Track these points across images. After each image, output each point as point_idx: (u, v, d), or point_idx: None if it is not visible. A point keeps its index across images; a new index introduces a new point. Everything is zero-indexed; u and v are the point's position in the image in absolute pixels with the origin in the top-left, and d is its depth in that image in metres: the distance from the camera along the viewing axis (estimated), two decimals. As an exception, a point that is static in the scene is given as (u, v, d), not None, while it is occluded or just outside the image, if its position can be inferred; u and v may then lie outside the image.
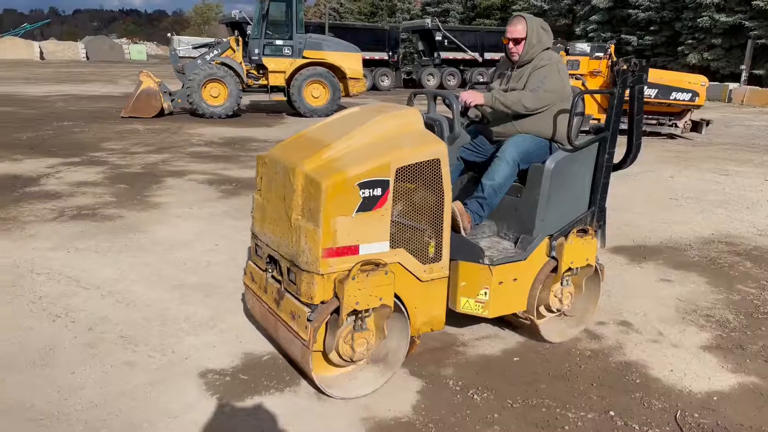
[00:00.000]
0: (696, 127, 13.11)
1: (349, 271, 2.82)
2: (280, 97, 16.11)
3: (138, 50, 63.63)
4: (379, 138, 3.03)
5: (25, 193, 6.86)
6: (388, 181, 2.88)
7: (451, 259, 3.23)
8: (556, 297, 3.59)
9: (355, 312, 2.91)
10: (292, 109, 15.94)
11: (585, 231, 3.53)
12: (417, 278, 3.09)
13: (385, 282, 2.91)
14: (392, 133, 3.07)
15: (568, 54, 12.61)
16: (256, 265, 3.39)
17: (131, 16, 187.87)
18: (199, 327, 3.73)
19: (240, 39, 15.39)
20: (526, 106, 3.53)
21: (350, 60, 15.89)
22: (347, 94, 16.05)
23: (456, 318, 4.00)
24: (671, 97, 12.32)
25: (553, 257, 3.48)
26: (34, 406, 2.86)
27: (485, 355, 3.54)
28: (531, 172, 3.46)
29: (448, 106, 3.36)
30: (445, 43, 27.65)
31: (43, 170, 8.12)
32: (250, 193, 7.25)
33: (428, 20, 28.72)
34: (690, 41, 31.23)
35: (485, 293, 3.35)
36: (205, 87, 14.37)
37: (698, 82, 12.47)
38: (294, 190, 2.91)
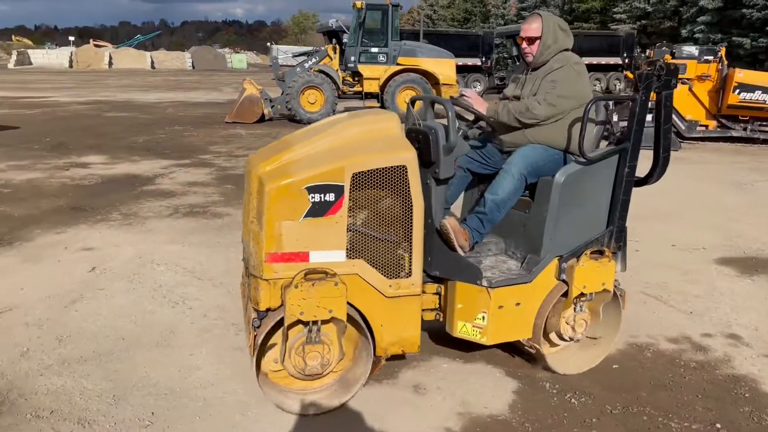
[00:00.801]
0: (816, 134, 12.16)
1: (293, 278, 2.69)
2: (373, 103, 16.45)
3: (239, 59, 66.64)
4: (344, 142, 2.89)
5: (143, 192, 7.44)
6: (343, 186, 2.73)
7: (446, 279, 3.12)
8: (568, 324, 3.23)
9: (305, 323, 2.76)
10: (385, 114, 16.19)
11: (601, 253, 3.16)
12: (381, 293, 2.87)
13: (334, 293, 2.71)
14: (361, 138, 2.92)
15: (674, 57, 12.08)
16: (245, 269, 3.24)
17: (233, 26, 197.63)
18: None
19: (337, 47, 15.84)
20: (536, 115, 3.19)
21: (443, 66, 15.97)
22: (440, 100, 16.10)
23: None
24: (788, 103, 11.51)
25: (564, 280, 3.16)
26: (159, 383, 3.14)
27: (583, 361, 3.50)
28: (540, 186, 3.17)
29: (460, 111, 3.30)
30: (541, 48, 27.10)
31: (158, 170, 8.76)
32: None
33: (523, 25, 28.27)
34: (811, 43, 28.87)
35: (483, 317, 3.09)
36: (303, 93, 14.91)
37: (820, 86, 11.57)
38: (251, 192, 2.83)
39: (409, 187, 2.81)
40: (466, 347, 3.57)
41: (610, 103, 3.29)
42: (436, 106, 3.53)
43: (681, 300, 4.40)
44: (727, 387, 3.25)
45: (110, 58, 56.51)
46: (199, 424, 2.83)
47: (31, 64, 56.44)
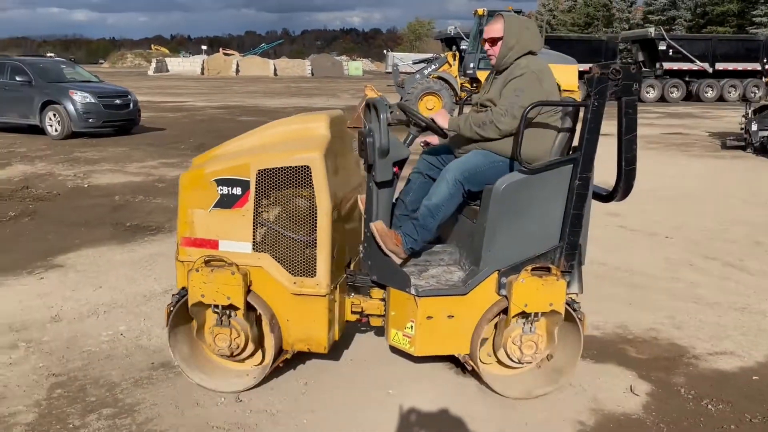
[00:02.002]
0: None
1: (194, 263, 2.88)
2: (491, 109, 16.46)
3: (355, 66, 68.62)
4: (264, 141, 3.04)
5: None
6: (249, 181, 2.85)
7: (381, 285, 3.11)
8: (515, 344, 3.01)
9: (209, 306, 2.93)
10: (502, 121, 16.19)
11: (547, 270, 2.92)
12: (287, 289, 2.91)
13: (231, 281, 2.83)
14: (281, 137, 3.03)
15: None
16: None
17: (350, 34, 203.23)
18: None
19: (457, 54, 16.04)
20: (499, 130, 3.01)
21: (565, 72, 15.69)
22: (560, 107, 15.85)
23: (689, 328, 3.95)
24: None
25: (506, 296, 2.94)
26: (309, 355, 3.47)
27: (720, 370, 3.44)
28: (483, 195, 2.97)
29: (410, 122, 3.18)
30: (670, 53, 25.82)
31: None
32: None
33: (651, 29, 27.06)
34: None
35: (411, 327, 3.00)
36: (422, 100, 15.25)
37: None
38: None
39: (313, 187, 2.84)
40: (597, 347, 3.63)
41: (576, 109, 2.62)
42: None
43: (830, 318, 4.16)
44: None
45: (237, 65, 60.24)
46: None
47: (167, 71, 61.37)
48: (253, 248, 2.93)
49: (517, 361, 3.05)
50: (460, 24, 20.73)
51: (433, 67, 15.88)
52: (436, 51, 34.21)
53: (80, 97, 12.33)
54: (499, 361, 3.12)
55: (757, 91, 25.09)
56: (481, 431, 2.84)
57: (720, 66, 26.06)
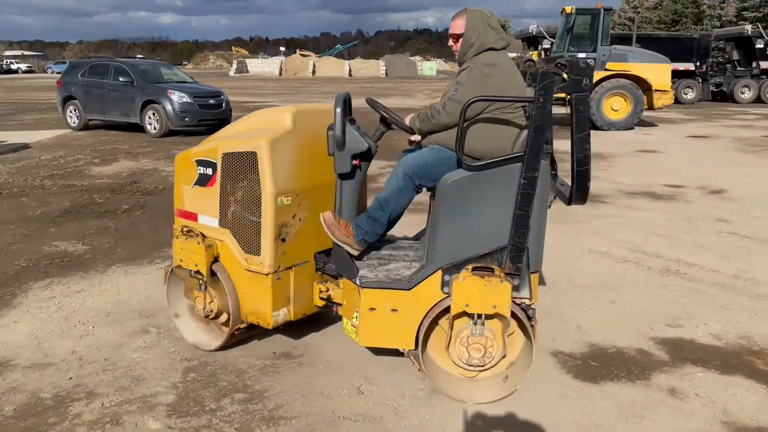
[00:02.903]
0: None
1: (174, 230, 3.41)
2: (575, 109, 16.01)
3: (429, 66, 68.48)
4: (240, 129, 3.37)
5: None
6: (216, 163, 3.22)
7: (339, 275, 3.23)
8: (462, 345, 2.95)
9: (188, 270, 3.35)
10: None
11: (491, 270, 2.83)
12: (241, 264, 3.22)
13: (198, 250, 3.25)
14: (253, 126, 3.32)
15: None
16: None
17: (424, 35, 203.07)
18: (544, 315, 4.09)
19: (542, 53, 15.72)
20: (440, 122, 3.03)
21: (658, 71, 15.12)
22: (651, 107, 15.28)
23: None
24: None
25: (449, 295, 2.88)
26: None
27: None
28: (435, 191, 2.99)
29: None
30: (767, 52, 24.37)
31: (377, 171, 9.45)
32: (559, 200, 7.50)
33: (748, 26, 25.60)
34: None
35: (356, 317, 3.05)
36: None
37: None
38: None
39: (258, 172, 3.07)
40: (721, 358, 3.49)
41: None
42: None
43: None
44: None
45: (313, 66, 61.44)
46: (465, 394, 3.11)
47: (247, 72, 63.37)
48: (219, 223, 3.29)
49: (465, 362, 2.99)
50: (538, 22, 20.33)
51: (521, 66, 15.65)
52: (513, 51, 33.61)
53: (177, 97, 12.94)
54: (454, 362, 3.06)
55: None
56: (609, 437, 2.79)
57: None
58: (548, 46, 16.23)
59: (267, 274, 3.15)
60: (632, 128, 15.23)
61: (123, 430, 2.77)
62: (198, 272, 3.32)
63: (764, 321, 4.02)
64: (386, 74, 62.34)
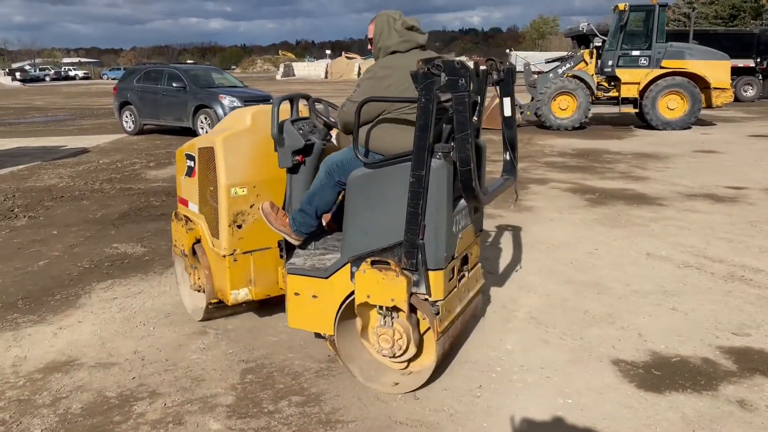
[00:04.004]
0: None
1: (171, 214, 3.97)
2: (628, 108, 15.62)
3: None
4: (218, 127, 3.78)
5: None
6: (195, 156, 3.64)
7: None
8: (374, 335, 3.10)
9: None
10: (641, 121, 15.33)
11: (387, 264, 2.89)
12: (210, 246, 3.61)
13: (183, 232, 3.76)
14: (224, 125, 3.74)
15: None
16: None
17: (469, 34, 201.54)
18: (600, 320, 3.99)
19: (594, 51, 15.38)
20: (345, 121, 3.16)
21: (716, 69, 14.58)
22: (709, 106, 14.75)
23: None
24: None
25: None
26: (479, 360, 3.46)
27: None
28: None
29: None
30: (834, 46, 23.20)
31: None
32: (616, 203, 7.31)
33: (812, 19, 24.43)
34: None
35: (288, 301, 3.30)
36: (555, 99, 14.80)
37: None
38: None
39: (215, 166, 3.45)
40: (795, 370, 3.33)
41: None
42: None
43: None
44: None
45: (359, 68, 61.72)
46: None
47: (294, 75, 64.16)
48: (199, 210, 3.70)
49: (377, 352, 3.17)
50: (585, 19, 19.88)
51: (569, 65, 15.29)
52: (560, 49, 33.02)
53: (228, 102, 13.20)
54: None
55: None
56: (675, 450, 2.68)
57: None
58: (599, 44, 15.80)
59: (224, 256, 3.53)
60: (689, 128, 14.74)
61: (185, 430, 2.82)
62: (185, 252, 3.79)
63: (840, 331, 3.81)
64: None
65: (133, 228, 6.36)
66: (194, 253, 3.78)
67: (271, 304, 3.91)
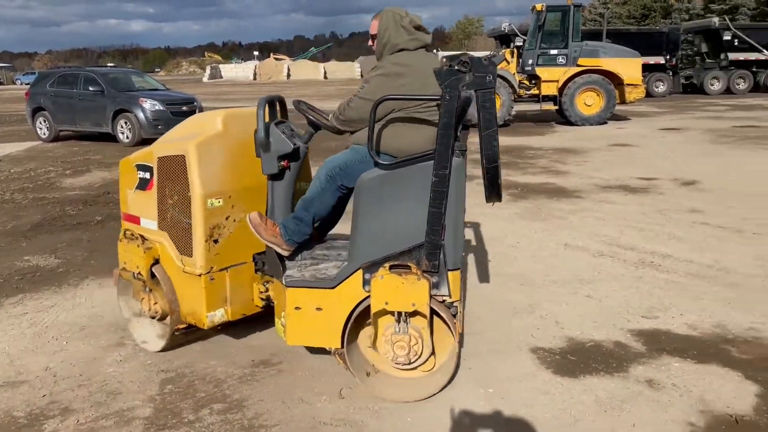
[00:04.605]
0: None
1: (119, 233, 3.52)
2: (549, 106, 16.20)
3: (404, 67, 68.50)
4: (177, 133, 3.42)
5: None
6: (152, 167, 3.30)
7: (270, 274, 3.27)
8: (387, 343, 2.96)
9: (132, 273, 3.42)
10: (561, 117, 15.92)
11: (407, 268, 2.84)
12: (178, 265, 3.28)
13: (138, 253, 3.34)
14: (187, 130, 3.37)
15: None
16: None
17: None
18: (521, 311, 4.11)
19: (515, 51, 15.84)
20: (345, 119, 3.07)
21: (628, 66, 15.32)
22: (623, 101, 15.49)
23: (793, 329, 3.78)
24: None
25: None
26: (403, 356, 3.49)
27: (833, 371, 3.30)
28: (354, 189, 2.98)
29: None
30: (735, 43, 24.82)
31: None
32: (537, 197, 7.56)
33: (715, 19, 26.08)
34: None
35: (284, 316, 3.05)
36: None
37: None
38: None
39: (187, 175, 3.14)
40: (697, 347, 3.54)
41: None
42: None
43: None
44: None
45: (288, 70, 61.20)
46: (446, 395, 3.11)
47: (221, 77, 62.89)
48: (158, 226, 3.35)
49: (391, 361, 3.00)
50: (512, 20, 20.50)
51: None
52: (485, 49, 33.86)
53: (149, 105, 12.79)
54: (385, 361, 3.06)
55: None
56: None
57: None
58: (520, 43, 16.30)
59: (200, 275, 3.19)
60: (606, 123, 15.42)
61: (99, 447, 2.72)
62: (140, 274, 3.38)
63: (738, 310, 4.08)
64: (361, 75, 62.20)
65: (46, 239, 6.06)
66: (152, 275, 3.39)
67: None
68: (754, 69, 25.57)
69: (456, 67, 2.60)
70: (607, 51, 15.50)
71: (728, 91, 25.46)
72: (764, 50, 24.88)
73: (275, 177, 3.15)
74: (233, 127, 3.27)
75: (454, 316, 2.93)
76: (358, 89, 3.07)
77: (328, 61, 71.97)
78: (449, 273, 2.92)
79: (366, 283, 2.92)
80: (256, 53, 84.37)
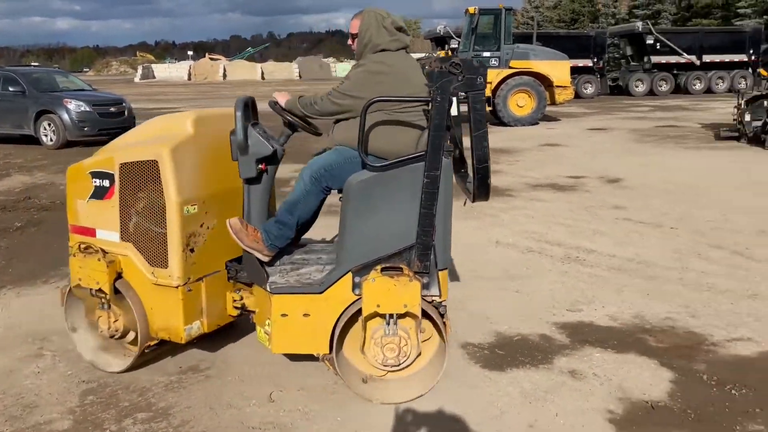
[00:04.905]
0: None
1: (71, 247, 3.21)
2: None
3: (343, 68, 68.31)
4: (138, 137, 3.26)
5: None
6: (113, 174, 3.07)
7: (248, 282, 3.19)
8: (376, 346, 2.96)
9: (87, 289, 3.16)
10: (495, 118, 16.27)
11: (399, 270, 2.87)
12: (148, 278, 3.07)
13: (99, 267, 3.08)
14: (151, 133, 3.22)
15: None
16: None
17: (336, 36, 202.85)
18: (453, 308, 4.17)
19: (450, 53, 16.10)
20: (318, 110, 3.05)
21: (557, 68, 15.83)
22: (553, 102, 15.99)
23: (704, 316, 4.01)
24: None
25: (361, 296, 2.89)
26: (335, 356, 3.49)
27: (740, 356, 3.51)
28: (343, 192, 2.96)
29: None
30: (657, 47, 26.04)
31: (289, 174, 9.35)
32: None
33: (639, 23, 27.27)
34: None
35: (269, 324, 3.00)
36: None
37: None
38: None
39: (161, 182, 2.95)
40: (617, 337, 3.70)
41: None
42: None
43: (840, 302, 4.24)
44: None
45: (224, 70, 60.04)
46: (376, 393, 3.13)
47: (154, 77, 61.07)
48: (121, 238, 3.12)
49: (380, 363, 2.98)
50: (448, 22, 20.83)
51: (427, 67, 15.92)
52: (423, 50, 34.31)
53: (75, 106, 12.28)
54: (370, 364, 3.03)
55: (744, 82, 25.37)
56: (513, 426, 2.87)
57: (707, 58, 26.28)
58: (455, 45, 16.60)
59: (177, 287, 3.02)
60: (537, 123, 15.88)
61: (13, 463, 2.59)
62: (100, 291, 3.14)
63: (655, 300, 4.29)
64: (300, 76, 61.82)
65: (-40, 248, 5.73)
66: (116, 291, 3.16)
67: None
68: (675, 72, 26.89)
69: (449, 70, 2.65)
70: (538, 54, 15.96)
71: (651, 93, 26.67)
72: (684, 53, 26.21)
73: (252, 181, 3.05)
74: (203, 129, 3.14)
75: (442, 315, 2.97)
76: (338, 83, 3.06)
77: (266, 62, 71.07)
78: (439, 273, 2.96)
79: (356, 286, 2.90)
80: (190, 53, 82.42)
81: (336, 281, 2.91)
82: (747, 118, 11.55)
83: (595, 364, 3.41)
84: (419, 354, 3.04)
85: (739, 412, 2.95)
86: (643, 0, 39.39)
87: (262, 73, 60.72)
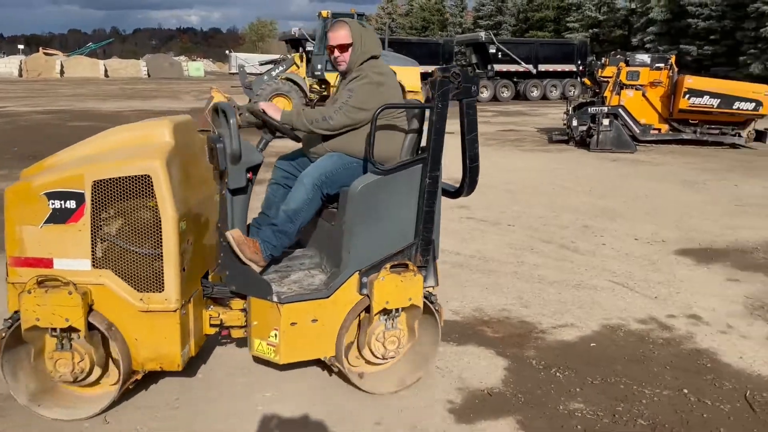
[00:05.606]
0: (760, 136, 13.01)
1: (25, 284, 2.69)
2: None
3: (196, 67, 65.95)
4: (101, 149, 2.91)
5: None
6: (83, 193, 2.69)
7: (241, 295, 3.11)
8: (378, 341, 3.08)
9: (46, 330, 2.73)
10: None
11: (405, 266, 3.06)
12: (133, 306, 2.79)
13: (69, 302, 2.66)
14: (123, 145, 2.93)
15: (628, 65, 12.75)
16: None
17: (188, 34, 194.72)
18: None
19: (304, 55, 16.11)
20: (330, 126, 3.09)
21: (407, 73, 16.39)
22: (405, 107, 16.56)
23: (535, 306, 4.36)
24: (734, 107, 12.27)
25: (367, 295, 3.02)
26: (177, 373, 3.35)
27: (564, 341, 3.86)
28: (341, 197, 3.03)
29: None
30: (499, 56, 27.91)
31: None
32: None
33: (482, 33, 29.08)
34: (752, 51, 30.51)
35: (275, 335, 2.98)
36: (271, 101, 15.12)
37: (762, 91, 12.37)
38: None
39: (155, 198, 2.73)
40: (458, 330, 3.91)
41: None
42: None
43: (646, 287, 4.82)
44: (692, 359, 3.65)
45: (62, 66, 55.24)
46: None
47: (-23, 73, 54.66)
48: (93, 265, 2.74)
49: (381, 357, 3.13)
50: (304, 25, 20.86)
51: (281, 68, 15.81)
52: (280, 52, 33.99)
53: None
54: (367, 361, 3.18)
55: (574, 90, 27.97)
56: (359, 425, 2.94)
57: (542, 67, 28.64)
58: (311, 48, 16.64)
59: (174, 311, 2.78)
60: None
61: None
62: (66, 329, 2.72)
63: (493, 293, 4.60)
64: (148, 75, 58.53)
65: None
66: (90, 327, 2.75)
67: None
68: (515, 79, 28.98)
69: (450, 78, 2.91)
70: (388, 59, 16.29)
71: (495, 99, 28.53)
72: (522, 63, 28.34)
73: (239, 191, 2.92)
74: (182, 139, 2.97)
75: (433, 303, 3.23)
76: (345, 98, 3.11)
77: (110, 59, 66.46)
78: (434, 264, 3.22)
79: (363, 286, 3.02)
80: (21, 47, 74.71)
81: (342, 284, 3.01)
82: (574, 123, 12.75)
83: (438, 358, 3.57)
84: (416, 340, 3.25)
85: (563, 393, 3.25)
86: (486, 11, 42.04)
87: (106, 71, 56.70)
